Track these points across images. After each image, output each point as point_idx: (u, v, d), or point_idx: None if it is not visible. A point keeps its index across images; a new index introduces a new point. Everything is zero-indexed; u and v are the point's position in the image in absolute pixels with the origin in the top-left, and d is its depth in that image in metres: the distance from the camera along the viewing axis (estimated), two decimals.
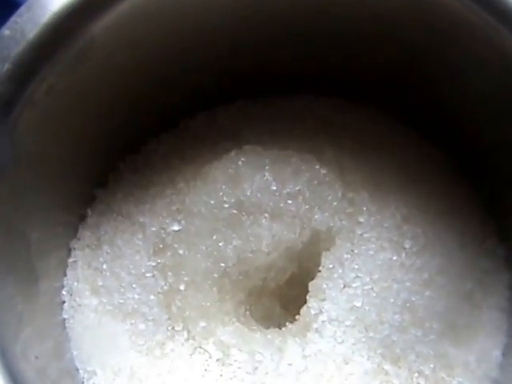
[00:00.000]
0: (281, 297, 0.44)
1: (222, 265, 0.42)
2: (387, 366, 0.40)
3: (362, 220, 0.42)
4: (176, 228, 0.43)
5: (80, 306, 0.42)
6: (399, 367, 0.40)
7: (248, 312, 0.43)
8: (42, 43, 0.35)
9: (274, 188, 0.43)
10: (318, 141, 0.46)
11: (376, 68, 0.47)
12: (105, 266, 0.43)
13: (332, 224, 0.42)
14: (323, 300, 0.40)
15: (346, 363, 0.39)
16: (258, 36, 0.46)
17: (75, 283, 0.43)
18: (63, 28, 0.36)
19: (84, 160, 0.45)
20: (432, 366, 0.40)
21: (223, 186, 0.43)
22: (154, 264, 0.42)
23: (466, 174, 0.47)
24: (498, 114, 0.40)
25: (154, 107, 0.47)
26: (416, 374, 0.40)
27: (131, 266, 0.43)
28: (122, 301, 0.42)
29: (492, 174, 0.45)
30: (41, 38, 0.35)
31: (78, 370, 0.41)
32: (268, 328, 0.42)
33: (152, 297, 0.42)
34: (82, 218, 0.45)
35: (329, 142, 0.46)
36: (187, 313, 0.41)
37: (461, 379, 0.40)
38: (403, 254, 0.42)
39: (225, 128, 0.47)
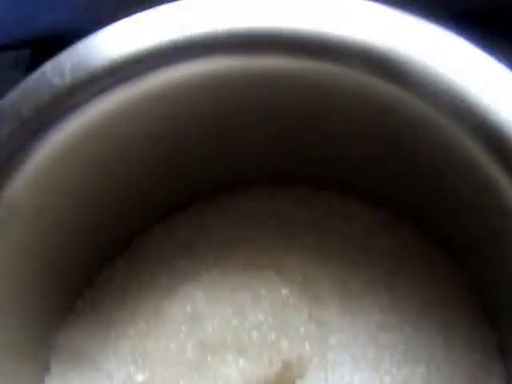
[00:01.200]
0: None
1: None
2: None
3: (333, 342, 0.40)
4: (141, 379, 0.41)
5: None
6: None
7: None
8: None
9: (236, 322, 0.41)
10: (277, 247, 0.43)
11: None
12: None
13: (301, 351, 0.40)
14: None
15: None
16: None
17: None
18: None
19: (39, 300, 0.43)
20: None
21: (183, 327, 0.41)
22: None
23: (449, 261, 0.43)
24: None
25: (104, 230, 0.45)
26: None
27: None
28: None
29: (479, 261, 0.42)
30: None
31: None
32: None
33: None
34: (46, 366, 0.44)
35: (289, 246, 0.43)
36: None
37: None
38: (381, 371, 0.40)
39: (180, 242, 0.45)
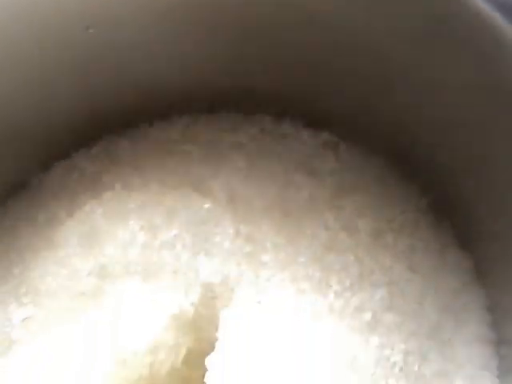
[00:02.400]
0: (182, 382, 0.33)
1: (88, 356, 0.31)
2: None
3: (266, 259, 0.33)
4: (22, 316, 0.33)
5: None
6: None
7: None
8: None
9: (143, 239, 0.33)
10: (200, 170, 0.37)
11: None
12: None
13: (226, 272, 0.32)
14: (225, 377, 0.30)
15: None
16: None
17: None
18: None
19: None
20: None
21: (77, 250, 0.33)
22: None
23: (404, 176, 0.37)
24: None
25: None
26: None
27: None
28: None
29: (438, 168, 0.36)
30: None
31: None
32: None
33: None
34: None
35: (215, 168, 0.36)
36: None
37: None
38: (331, 295, 0.32)
39: (84, 177, 0.38)
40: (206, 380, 0.31)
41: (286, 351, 0.31)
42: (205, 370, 0.33)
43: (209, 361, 0.32)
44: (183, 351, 0.34)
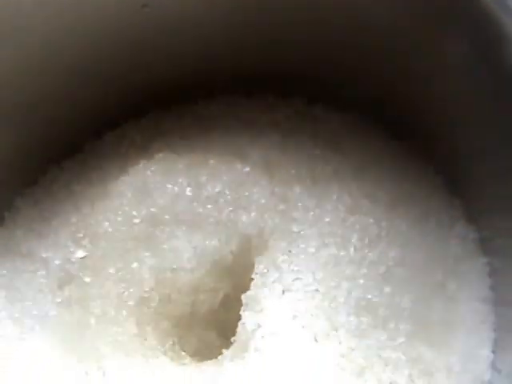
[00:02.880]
0: (217, 324, 0.39)
1: (138, 290, 0.37)
2: (351, 379, 0.34)
3: (297, 216, 0.38)
4: (81, 255, 0.38)
5: None
6: (366, 380, 0.34)
7: (177, 346, 0.38)
8: None
9: (190, 194, 0.39)
10: (240, 142, 0.43)
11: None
12: (3, 314, 0.38)
13: (262, 225, 0.38)
14: (260, 312, 0.35)
15: (296, 382, 0.34)
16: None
17: None
18: None
19: None
20: (407, 373, 0.35)
21: (131, 200, 0.39)
22: (58, 300, 0.38)
23: (420, 155, 0.43)
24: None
25: (54, 131, 0.44)
26: None
27: (33, 308, 0.38)
28: (19, 348, 0.36)
29: (452, 149, 0.41)
30: None
31: None
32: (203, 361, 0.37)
33: (57, 337, 0.36)
34: None
35: (253, 141, 0.42)
36: (99, 350, 0.36)
37: None
38: (351, 249, 0.38)
39: (135, 144, 0.44)
40: (241, 314, 0.37)
41: (309, 290, 0.36)
42: (238, 313, 0.38)
43: (245, 298, 0.37)
44: (221, 295, 0.39)
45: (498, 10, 0.32)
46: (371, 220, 0.39)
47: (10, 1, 0.37)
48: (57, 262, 0.40)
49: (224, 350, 0.37)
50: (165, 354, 0.37)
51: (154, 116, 0.46)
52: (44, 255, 0.40)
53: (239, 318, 0.38)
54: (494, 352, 0.37)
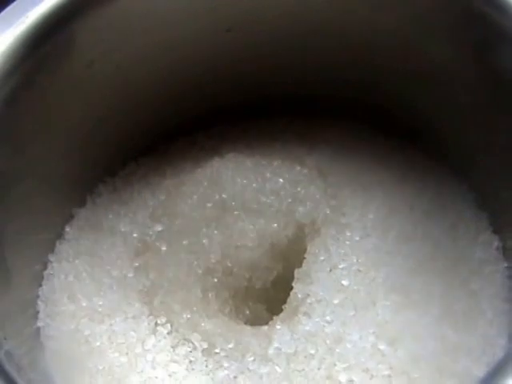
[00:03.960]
0: (267, 300, 0.47)
1: (206, 261, 0.45)
2: (382, 347, 0.42)
3: (345, 211, 0.47)
4: (159, 228, 0.47)
5: (56, 313, 0.45)
6: (396, 349, 0.42)
7: (234, 313, 0.46)
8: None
9: (256, 186, 0.48)
10: (298, 152, 0.52)
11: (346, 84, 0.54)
12: (84, 275, 0.46)
13: (316, 215, 0.47)
14: (310, 283, 0.44)
15: (338, 343, 0.42)
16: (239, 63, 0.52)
17: (51, 293, 0.46)
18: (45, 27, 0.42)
19: (64, 182, 0.50)
20: (431, 348, 0.42)
21: (206, 188, 0.48)
22: (136, 264, 0.46)
23: (456, 174, 0.51)
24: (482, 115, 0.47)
25: (134, 131, 0.53)
26: (415, 356, 0.42)
27: (112, 270, 0.46)
28: (100, 303, 0.45)
29: (482, 172, 0.50)
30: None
31: (52, 377, 0.43)
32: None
33: (133, 295, 0.45)
34: (60, 235, 0.49)
35: (309, 153, 0.51)
36: (170, 306, 0.44)
37: (467, 364, 0.42)
38: (389, 241, 0.46)
39: (205, 148, 0.53)
40: (293, 285, 0.45)
41: (352, 269, 0.45)
42: (287, 295, 0.46)
43: (297, 273, 0.45)
44: (274, 274, 0.47)
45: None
46: (408, 222, 0.47)
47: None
48: (135, 235, 0.48)
49: (275, 317, 0.44)
50: (223, 313, 0.45)
51: (221, 128, 0.55)
52: (123, 229, 0.48)
53: (286, 297, 0.46)
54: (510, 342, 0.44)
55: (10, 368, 0.36)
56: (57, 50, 0.44)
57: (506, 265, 0.47)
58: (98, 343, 0.44)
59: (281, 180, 0.48)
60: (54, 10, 0.43)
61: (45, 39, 0.43)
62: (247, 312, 0.47)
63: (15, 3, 0.42)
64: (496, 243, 0.48)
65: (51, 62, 0.43)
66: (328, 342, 0.42)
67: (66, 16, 0.44)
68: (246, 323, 0.46)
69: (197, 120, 0.56)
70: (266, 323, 0.45)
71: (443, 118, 0.49)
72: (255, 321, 0.46)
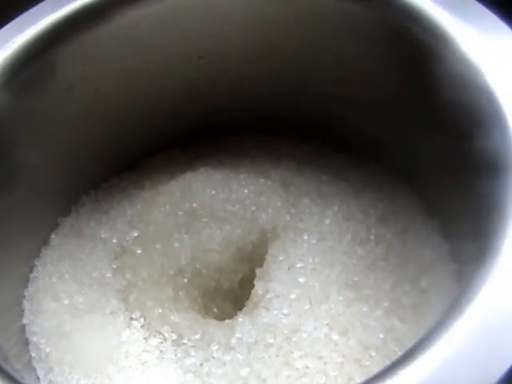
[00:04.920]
0: (234, 299, 0.53)
1: (177, 263, 0.52)
2: (335, 337, 0.48)
3: (304, 218, 0.53)
4: (135, 234, 0.53)
5: (40, 311, 0.51)
6: (348, 338, 0.48)
7: (203, 310, 0.52)
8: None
9: (223, 196, 0.54)
10: (264, 166, 0.58)
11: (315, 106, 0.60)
12: (67, 276, 0.53)
13: (277, 222, 0.53)
14: (269, 281, 0.50)
15: (294, 333, 0.47)
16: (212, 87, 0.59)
17: (36, 293, 0.52)
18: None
19: (51, 193, 0.57)
20: (382, 337, 0.48)
21: (178, 198, 0.54)
22: (114, 266, 0.52)
23: (408, 186, 0.57)
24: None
25: (116, 148, 0.60)
26: (367, 346, 0.48)
27: (92, 271, 0.52)
28: (81, 300, 0.51)
29: (431, 182, 0.56)
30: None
31: (34, 369, 0.49)
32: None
33: (111, 293, 0.51)
34: (46, 241, 0.55)
35: (274, 167, 0.58)
36: (144, 303, 0.50)
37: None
38: (345, 244, 0.52)
39: (181, 163, 0.59)
40: (254, 283, 0.51)
41: (308, 268, 0.51)
42: (251, 291, 0.52)
43: (258, 272, 0.51)
44: (240, 275, 0.53)
45: None
46: (363, 226, 0.53)
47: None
48: (114, 241, 0.54)
49: (239, 312, 0.50)
50: (192, 309, 0.51)
51: (196, 145, 0.62)
52: (103, 236, 0.55)
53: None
54: None
55: None
56: (40, 73, 0.51)
57: (454, 265, 0.53)
58: (77, 337, 0.49)
59: (246, 191, 0.54)
60: (38, 37, 0.50)
61: (29, 63, 0.50)
62: (215, 310, 0.52)
63: (1, 30, 0.49)
64: (446, 246, 0.53)
65: (35, 84, 0.50)
66: (285, 332, 0.47)
67: (48, 43, 0.50)
68: (214, 319, 0.51)
69: (174, 138, 0.62)
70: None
71: (392, 137, 0.56)
72: (223, 317, 0.52)
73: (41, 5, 0.52)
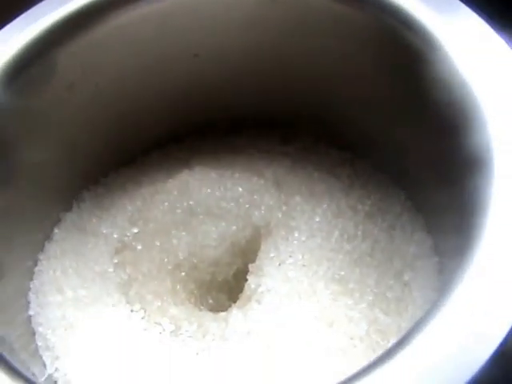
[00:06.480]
0: (228, 290, 0.59)
1: (175, 258, 0.57)
2: (322, 329, 0.53)
3: (295, 215, 0.58)
4: (135, 230, 0.59)
5: (45, 303, 0.56)
6: (334, 330, 0.53)
7: (199, 302, 0.57)
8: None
9: (219, 194, 0.59)
10: (258, 165, 0.63)
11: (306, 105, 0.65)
12: (70, 270, 0.58)
13: (269, 219, 0.58)
14: (261, 276, 0.55)
15: (283, 326, 0.53)
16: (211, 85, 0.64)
17: (41, 286, 0.57)
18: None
19: (53, 189, 0.62)
20: (365, 328, 0.54)
21: (176, 197, 0.59)
22: (115, 261, 0.58)
23: (396, 184, 0.63)
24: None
25: (115, 145, 0.65)
26: (351, 336, 0.53)
27: (95, 266, 0.58)
28: (84, 294, 0.56)
29: (418, 179, 0.61)
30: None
31: (41, 357, 0.54)
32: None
33: (112, 287, 0.56)
34: (49, 236, 0.61)
35: (268, 165, 0.63)
36: (144, 296, 0.55)
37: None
38: (333, 240, 0.57)
39: (177, 159, 0.65)
40: (247, 278, 0.57)
41: (298, 264, 0.56)
42: (244, 284, 0.58)
43: (251, 267, 0.57)
44: (234, 268, 0.59)
45: None
46: (351, 223, 0.59)
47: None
48: (115, 236, 0.59)
49: (233, 305, 0.56)
50: (189, 301, 0.56)
51: (192, 143, 0.67)
52: (104, 231, 0.60)
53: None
54: None
55: (2, 350, 0.45)
56: (40, 73, 0.55)
57: (437, 259, 0.58)
58: (81, 328, 0.55)
59: (240, 189, 0.59)
60: (38, 37, 0.54)
61: (29, 63, 0.54)
62: (210, 301, 0.58)
63: (1, 30, 0.53)
64: (429, 242, 0.59)
65: (35, 84, 0.54)
66: (276, 324, 0.53)
67: (48, 43, 0.55)
68: (210, 310, 0.57)
69: (170, 135, 0.67)
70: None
71: (381, 136, 0.61)
72: (218, 308, 0.57)
73: (41, 5, 0.56)
